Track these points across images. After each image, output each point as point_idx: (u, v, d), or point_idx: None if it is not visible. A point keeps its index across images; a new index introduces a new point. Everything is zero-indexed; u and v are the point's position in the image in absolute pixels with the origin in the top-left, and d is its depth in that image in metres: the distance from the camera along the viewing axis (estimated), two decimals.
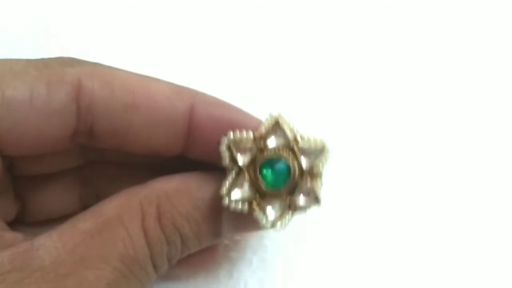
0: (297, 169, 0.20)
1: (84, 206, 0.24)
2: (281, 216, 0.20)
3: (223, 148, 0.20)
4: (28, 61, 0.20)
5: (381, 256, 0.29)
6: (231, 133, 0.20)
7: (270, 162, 0.20)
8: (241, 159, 0.20)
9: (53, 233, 0.19)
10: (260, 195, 0.20)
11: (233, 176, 0.20)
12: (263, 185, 0.20)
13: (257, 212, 0.20)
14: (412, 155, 0.32)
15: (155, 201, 0.20)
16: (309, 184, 0.20)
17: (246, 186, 0.20)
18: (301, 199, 0.20)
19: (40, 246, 0.19)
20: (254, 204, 0.20)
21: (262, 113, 0.25)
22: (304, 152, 0.20)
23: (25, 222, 0.24)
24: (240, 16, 0.35)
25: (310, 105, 0.33)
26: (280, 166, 0.20)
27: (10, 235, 0.20)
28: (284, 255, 0.29)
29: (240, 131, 0.20)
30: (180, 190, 0.21)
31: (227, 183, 0.20)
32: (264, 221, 0.20)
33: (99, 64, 0.21)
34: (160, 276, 0.22)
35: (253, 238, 0.29)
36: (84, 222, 0.20)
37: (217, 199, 0.20)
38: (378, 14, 0.35)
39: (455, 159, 0.32)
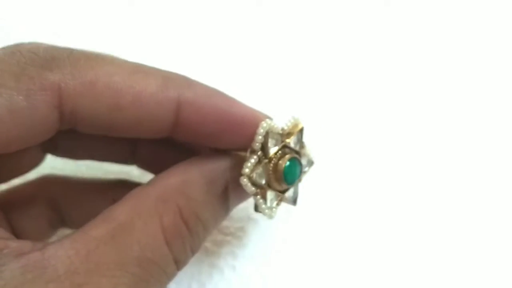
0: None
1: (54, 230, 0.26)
2: (274, 204, 0.22)
3: (261, 131, 0.20)
4: (2, 62, 0.18)
5: (378, 250, 0.30)
6: (268, 120, 0.21)
7: (293, 163, 0.21)
8: (272, 149, 0.21)
9: (65, 241, 0.19)
10: (267, 184, 0.21)
11: (256, 159, 0.21)
12: (282, 180, 0.21)
13: (260, 199, 0.21)
14: (399, 153, 0.32)
15: (171, 197, 0.20)
16: (297, 185, 0.23)
17: (264, 173, 0.21)
18: (290, 193, 0.23)
19: (51, 255, 0.18)
20: (260, 190, 0.21)
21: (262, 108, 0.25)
22: (305, 161, 0.23)
23: None
24: (241, 14, 0.35)
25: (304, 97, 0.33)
26: (298, 167, 0.22)
27: (16, 244, 0.18)
28: (286, 250, 0.29)
29: (266, 121, 0.21)
30: (188, 181, 0.21)
31: (249, 165, 0.21)
32: (263, 207, 0.21)
33: (80, 59, 0.19)
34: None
35: (255, 234, 0.30)
36: (96, 229, 0.19)
37: (223, 178, 0.22)
38: (377, 12, 0.35)
39: (445, 155, 0.32)
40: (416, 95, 0.34)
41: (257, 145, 0.21)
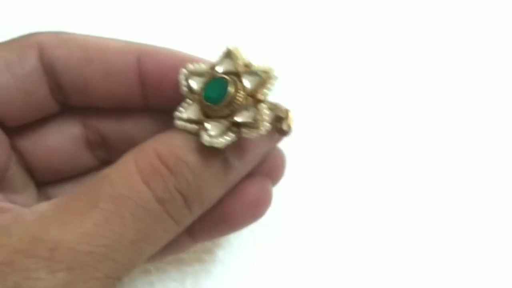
0: (239, 90, 0.20)
1: (96, 156, 0.25)
2: (221, 134, 0.20)
3: (181, 77, 0.21)
4: None
5: (358, 241, 0.29)
6: (189, 64, 0.21)
7: (214, 82, 0.20)
8: (195, 85, 0.21)
9: (47, 202, 0.20)
10: (207, 117, 0.20)
11: (189, 102, 0.21)
12: (203, 101, 0.20)
13: (200, 130, 0.20)
14: (395, 153, 0.32)
15: (149, 145, 0.20)
16: (250, 105, 0.20)
17: (196, 109, 0.21)
18: (239, 117, 0.20)
19: (29, 211, 0.19)
20: (200, 126, 0.20)
21: None
22: (248, 76, 0.20)
23: (40, 182, 0.24)
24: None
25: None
26: (219, 82, 0.20)
27: (8, 205, 0.20)
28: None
29: (197, 63, 0.21)
30: (168, 134, 0.21)
31: (181, 108, 0.21)
32: (204, 136, 0.20)
33: (58, 31, 0.23)
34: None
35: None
36: (80, 190, 0.19)
37: None
38: (377, 14, 0.35)
39: (442, 156, 0.32)
40: (415, 96, 0.33)
41: (184, 90, 0.21)
